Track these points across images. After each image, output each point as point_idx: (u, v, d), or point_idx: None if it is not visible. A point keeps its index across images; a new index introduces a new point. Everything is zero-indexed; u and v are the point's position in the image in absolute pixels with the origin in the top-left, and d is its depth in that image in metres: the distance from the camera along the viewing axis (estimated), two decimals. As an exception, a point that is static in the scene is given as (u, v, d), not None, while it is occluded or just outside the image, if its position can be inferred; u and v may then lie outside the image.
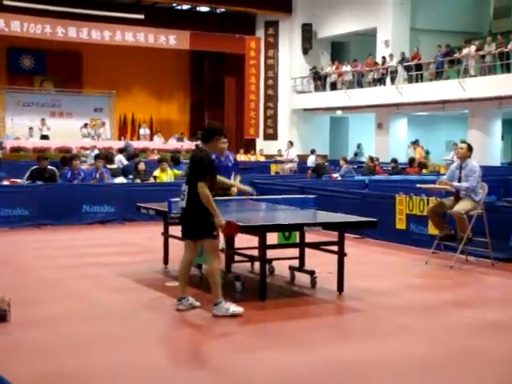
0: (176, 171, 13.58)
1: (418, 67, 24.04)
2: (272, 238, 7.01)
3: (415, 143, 22.96)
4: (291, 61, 29.94)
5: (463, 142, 9.33)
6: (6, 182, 12.64)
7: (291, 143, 24.13)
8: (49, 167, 12.71)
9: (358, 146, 26.62)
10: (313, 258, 7.56)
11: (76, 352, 4.99)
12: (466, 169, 8.54)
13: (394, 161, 18.41)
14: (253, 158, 25.78)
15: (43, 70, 30.22)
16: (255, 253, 7.38)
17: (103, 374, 4.59)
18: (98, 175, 12.88)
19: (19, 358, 4.85)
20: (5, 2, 25.11)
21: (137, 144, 27.19)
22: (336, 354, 5.08)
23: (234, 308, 5.94)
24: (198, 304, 6.17)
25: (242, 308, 5.97)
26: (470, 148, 8.73)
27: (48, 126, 27.10)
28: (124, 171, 15.65)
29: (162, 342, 5.39)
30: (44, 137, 26.79)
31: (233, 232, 6.10)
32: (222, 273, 7.13)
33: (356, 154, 27.75)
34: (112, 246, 9.98)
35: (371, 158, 18.66)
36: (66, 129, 28.14)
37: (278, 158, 24.64)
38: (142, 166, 14.25)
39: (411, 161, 18.42)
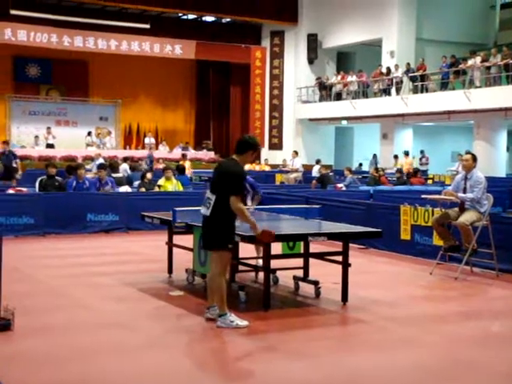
0: (179, 185, 13.58)
1: (424, 78, 24.06)
2: (276, 247, 7.00)
3: (407, 154, 22.92)
4: (296, 71, 30.02)
5: (468, 152, 9.31)
6: (11, 191, 12.67)
7: (296, 153, 24.16)
8: (56, 177, 12.84)
9: (374, 157, 26.60)
10: (317, 268, 7.54)
11: (80, 361, 4.98)
12: (472, 180, 8.53)
13: (400, 171, 18.39)
14: (258, 168, 25.77)
15: (49, 78, 30.36)
16: (259, 263, 7.39)
17: (107, 383, 4.58)
18: (101, 185, 12.89)
19: (23, 368, 4.84)
20: (12, 12, 25.26)
21: (141, 153, 27.24)
22: (340, 365, 5.06)
23: (238, 321, 5.92)
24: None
25: (246, 321, 5.95)
26: (474, 159, 8.70)
27: (53, 135, 27.19)
28: (129, 180, 15.66)
29: (167, 351, 5.38)
30: (49, 145, 26.87)
31: (269, 239, 6.06)
32: (225, 283, 7.13)
33: (361, 165, 27.72)
34: (116, 255, 9.99)
35: (376, 169, 18.65)
36: (72, 137, 28.26)
37: (283, 168, 24.64)
38: (149, 176, 14.27)
39: (415, 171, 18.41)
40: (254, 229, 5.91)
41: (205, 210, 5.98)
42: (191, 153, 28.60)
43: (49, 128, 27.68)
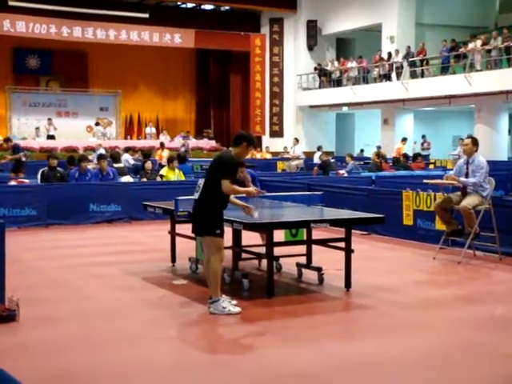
0: (181, 174, 13.56)
1: (424, 62, 23.98)
2: (279, 235, 7.01)
3: (403, 140, 22.81)
4: (296, 58, 29.93)
5: (468, 137, 9.28)
6: (13, 183, 12.69)
7: (297, 140, 24.12)
8: (57, 168, 12.88)
9: (378, 148, 26.58)
10: (320, 255, 7.56)
11: (86, 351, 5.01)
12: (474, 164, 8.51)
13: (404, 155, 18.37)
14: (259, 156, 25.75)
15: (49, 69, 30.30)
16: (262, 250, 7.40)
17: (114, 372, 4.60)
18: (103, 176, 12.89)
19: (29, 358, 4.87)
20: (10, 3, 25.18)
21: (143, 143, 27.23)
22: (344, 351, 5.08)
23: (231, 307, 5.94)
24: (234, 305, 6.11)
25: (239, 308, 5.97)
26: (475, 142, 8.68)
27: (55, 126, 27.16)
28: (137, 169, 15.60)
29: (172, 339, 5.40)
30: (50, 137, 26.85)
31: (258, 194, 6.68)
32: (228, 270, 7.15)
33: (362, 151, 27.67)
34: (119, 245, 10.01)
35: (377, 155, 18.62)
36: (72, 128, 28.24)
37: (285, 155, 24.63)
38: (149, 165, 14.28)
39: (415, 156, 18.38)
40: (249, 194, 6.36)
41: (195, 194, 6.14)
42: (192, 141, 28.56)
43: (50, 119, 27.65)
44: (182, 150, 24.00)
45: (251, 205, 6.31)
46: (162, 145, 23.15)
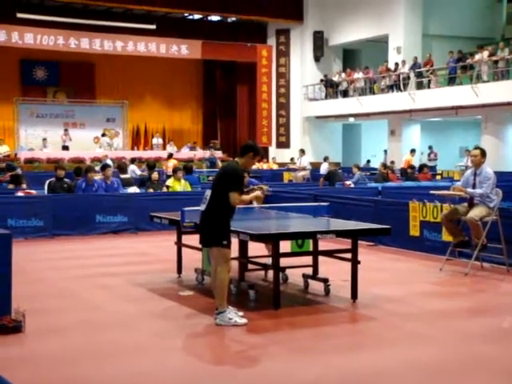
0: (188, 185, 13.58)
1: (431, 73, 23.98)
2: (285, 246, 7.00)
3: (412, 152, 22.76)
4: (303, 68, 29.99)
5: (476, 148, 9.24)
6: (20, 193, 12.73)
7: (303, 151, 24.13)
8: (64, 179, 12.94)
9: (385, 152, 26.66)
10: (326, 266, 7.54)
11: (92, 362, 5.00)
12: (481, 175, 8.49)
13: (411, 167, 18.35)
14: (265, 166, 25.77)
15: (56, 81, 30.46)
16: (268, 261, 7.38)
17: (119, 383, 4.59)
18: (107, 186, 12.91)
19: (35, 369, 4.86)
20: (18, 15, 25.37)
21: (149, 154, 27.29)
22: (350, 362, 5.06)
23: (237, 318, 5.93)
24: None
25: (245, 319, 5.96)
26: (483, 154, 8.65)
27: (70, 137, 27.19)
28: (143, 181, 15.61)
29: (178, 351, 5.39)
30: (65, 147, 26.90)
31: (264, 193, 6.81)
32: (235, 281, 7.14)
33: (369, 161, 27.68)
34: (125, 256, 10.01)
35: (384, 165, 18.61)
36: (79, 139, 28.32)
37: (291, 166, 24.63)
38: (155, 176, 14.29)
39: (422, 167, 18.35)
40: (256, 199, 6.48)
41: (202, 206, 6.14)
42: (199, 152, 28.60)
43: (66, 130, 27.79)
44: (207, 163, 25.83)
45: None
46: (170, 155, 23.18)
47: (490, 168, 8.64)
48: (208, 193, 6.14)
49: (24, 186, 14.33)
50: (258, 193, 6.61)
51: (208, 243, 6.10)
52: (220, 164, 22.20)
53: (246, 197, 6.22)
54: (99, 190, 12.71)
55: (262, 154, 7.05)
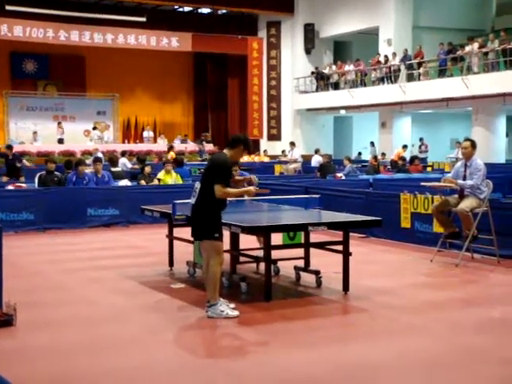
0: (179, 177, 13.56)
1: (421, 65, 24.02)
2: (277, 238, 7.00)
3: (404, 147, 22.82)
4: (294, 61, 29.96)
5: (466, 139, 9.27)
6: (10, 187, 12.67)
7: (293, 144, 24.13)
8: (55, 172, 12.90)
9: (372, 144, 26.74)
10: (318, 258, 7.55)
11: (83, 355, 4.99)
12: (471, 167, 8.51)
13: (402, 158, 18.39)
14: (257, 159, 25.78)
15: (46, 74, 30.31)
16: (260, 253, 7.39)
17: (112, 376, 4.59)
18: (98, 179, 12.88)
19: (26, 362, 4.85)
20: (7, 7, 25.18)
21: (140, 147, 27.23)
22: (342, 354, 5.08)
23: (228, 311, 5.93)
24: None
25: (237, 311, 5.96)
26: (473, 146, 8.68)
27: (63, 130, 27.10)
28: (134, 174, 15.56)
29: (171, 344, 5.39)
30: (60, 140, 26.81)
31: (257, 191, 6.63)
32: (226, 274, 7.14)
33: (360, 154, 27.73)
34: (117, 249, 10.00)
35: (375, 157, 18.65)
36: (70, 133, 28.20)
37: (282, 159, 24.64)
38: (148, 169, 14.26)
39: (413, 159, 18.38)
40: (247, 193, 6.42)
41: (192, 199, 6.11)
42: (190, 145, 28.57)
43: (60, 123, 27.71)
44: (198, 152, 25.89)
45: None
46: (170, 147, 23.28)
47: (480, 159, 8.67)
48: (198, 185, 6.11)
49: (22, 179, 14.20)
50: (250, 188, 6.55)
51: (199, 236, 6.08)
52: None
53: (232, 190, 6.10)
54: (90, 183, 12.67)
55: (251, 147, 6.97)
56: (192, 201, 6.12)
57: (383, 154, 23.32)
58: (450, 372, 4.68)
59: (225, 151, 6.16)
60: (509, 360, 4.93)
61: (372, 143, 27.00)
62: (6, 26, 25.76)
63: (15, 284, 6.82)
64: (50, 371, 4.69)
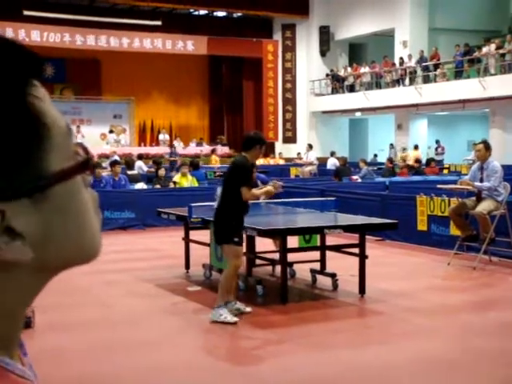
0: (195, 180, 13.60)
1: (437, 67, 23.93)
2: (293, 241, 7.00)
3: (416, 148, 22.71)
4: (309, 63, 29.94)
5: (480, 142, 9.19)
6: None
7: (310, 146, 24.11)
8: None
9: (391, 147, 26.59)
10: (334, 261, 7.54)
11: (100, 357, 5.02)
12: (488, 169, 8.46)
13: (418, 161, 18.33)
14: (272, 162, 25.76)
15: (63, 78, 30.50)
16: (276, 256, 7.39)
17: (128, 378, 4.61)
18: (115, 182, 12.95)
19: (44, 364, 4.88)
20: (25, 13, 25.41)
21: (156, 150, 27.34)
22: (359, 357, 5.06)
23: (228, 316, 5.84)
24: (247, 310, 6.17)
25: (236, 318, 5.87)
26: (487, 147, 8.62)
27: (82, 134, 27.27)
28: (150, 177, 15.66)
29: (187, 346, 5.40)
30: None
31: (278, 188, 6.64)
32: (242, 277, 7.15)
33: (376, 156, 27.63)
34: (133, 252, 10.03)
35: (390, 160, 18.59)
36: (86, 136, 28.36)
37: (298, 161, 24.61)
38: (162, 172, 14.31)
39: (429, 161, 18.31)
40: (268, 193, 6.38)
41: (215, 203, 6.13)
42: (206, 148, 28.65)
43: (78, 127, 27.88)
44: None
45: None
46: (213, 150, 24.06)
47: (497, 161, 8.62)
48: (219, 190, 6.11)
49: None
50: (269, 187, 6.52)
51: (219, 240, 6.04)
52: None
53: (256, 191, 6.19)
54: (107, 186, 12.75)
55: (267, 143, 6.89)
56: (215, 204, 6.12)
57: (404, 149, 23.22)
58: (466, 375, 4.65)
59: (243, 154, 6.06)
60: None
61: (391, 145, 26.84)
62: (23, 31, 25.98)
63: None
64: (68, 373, 4.72)
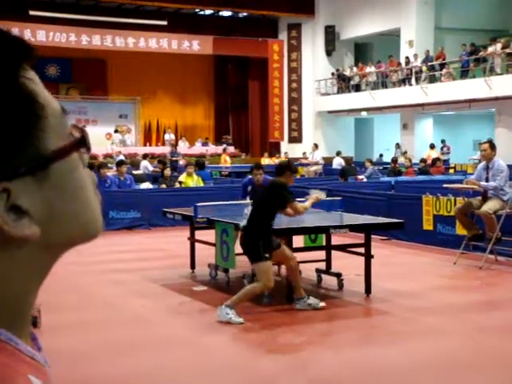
0: (200, 180, 13.60)
1: (443, 66, 23.89)
2: (298, 240, 7.00)
3: (432, 147, 22.62)
4: (315, 63, 29.92)
5: (485, 142, 9.16)
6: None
7: (316, 146, 24.11)
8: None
9: (397, 146, 26.41)
10: (339, 261, 7.53)
11: (107, 357, 5.03)
12: (493, 168, 8.44)
13: (424, 161, 18.30)
14: (278, 162, 25.75)
15: (69, 77, 30.57)
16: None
17: (137, 378, 4.61)
18: (121, 182, 12.97)
19: (52, 364, 4.89)
20: (31, 12, 25.48)
21: (162, 149, 27.37)
22: (365, 356, 5.06)
23: (233, 316, 5.84)
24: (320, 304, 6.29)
25: (242, 319, 5.85)
26: (492, 146, 8.61)
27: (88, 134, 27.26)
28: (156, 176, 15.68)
29: (193, 346, 5.41)
30: None
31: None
32: (248, 277, 7.15)
33: (381, 155, 27.58)
34: (139, 252, 10.05)
35: (394, 160, 18.58)
36: (92, 136, 27.77)
37: (304, 161, 24.60)
38: (167, 172, 14.32)
39: (435, 161, 18.26)
40: (313, 202, 6.40)
41: (243, 222, 6.22)
42: (211, 148, 28.66)
43: (84, 126, 27.80)
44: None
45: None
46: (224, 150, 24.54)
47: (502, 161, 8.60)
48: (248, 209, 6.25)
49: None
50: (315, 197, 6.55)
51: (251, 259, 6.09)
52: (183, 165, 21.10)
53: (306, 204, 6.32)
54: (112, 186, 12.76)
55: (297, 170, 7.15)
56: (243, 223, 6.18)
57: (405, 153, 23.13)
58: (473, 375, 4.64)
59: (276, 178, 6.35)
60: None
61: (397, 144, 26.62)
62: (29, 31, 26.02)
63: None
64: (74, 373, 4.73)
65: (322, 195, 6.66)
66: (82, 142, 0.68)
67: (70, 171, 0.64)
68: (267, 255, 5.97)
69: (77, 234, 0.66)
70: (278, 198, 6.05)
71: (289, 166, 6.37)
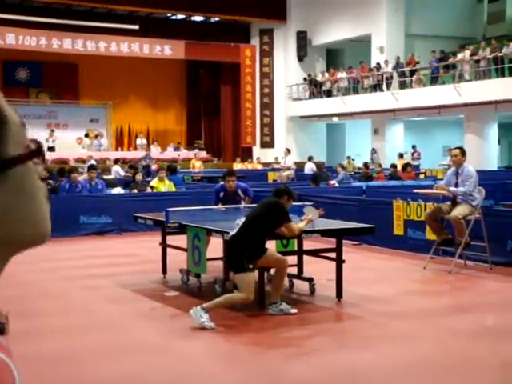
0: (172, 185, 13.55)
1: (414, 73, 24.16)
2: (270, 245, 7.00)
3: (401, 156, 22.88)
4: (286, 68, 30.04)
5: (456, 147, 9.29)
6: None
7: (288, 151, 24.18)
8: (48, 180, 12.87)
9: (373, 151, 26.53)
10: (311, 265, 7.56)
11: (76, 364, 4.98)
12: (463, 174, 8.55)
13: (394, 166, 18.45)
14: (250, 166, 25.79)
15: (39, 81, 30.28)
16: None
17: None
18: (92, 187, 12.87)
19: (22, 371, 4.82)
20: (0, 16, 25.17)
21: (134, 154, 27.22)
22: (335, 361, 5.08)
23: (206, 321, 5.79)
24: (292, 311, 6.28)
25: (213, 323, 5.81)
26: (463, 153, 8.72)
27: (54, 138, 27.00)
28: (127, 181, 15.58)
29: (165, 351, 5.38)
30: (50, 148, 26.73)
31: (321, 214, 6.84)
32: (220, 281, 7.14)
33: (353, 160, 27.71)
34: (110, 257, 9.97)
35: (366, 165, 18.71)
36: (63, 140, 28.17)
37: (276, 166, 24.66)
38: (139, 177, 14.25)
39: (405, 166, 18.42)
40: (308, 223, 6.47)
41: (233, 231, 6.17)
42: (183, 153, 28.58)
43: (52, 131, 27.65)
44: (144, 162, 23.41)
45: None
46: (196, 155, 24.94)
47: (471, 166, 8.71)
48: (240, 220, 6.24)
49: None
50: (310, 216, 6.60)
51: (236, 270, 6.07)
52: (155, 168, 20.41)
53: (302, 224, 6.39)
54: (83, 190, 12.65)
55: (296, 198, 7.18)
56: (233, 232, 6.15)
57: (379, 166, 23.32)
58: (445, 379, 4.69)
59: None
60: (499, 367, 4.94)
61: (373, 149, 26.60)
62: (-2, 34, 25.75)
63: (8, 293, 6.79)
64: (38, 380, 4.67)
65: (315, 215, 6.68)
66: (38, 153, 0.76)
67: (27, 176, 0.72)
68: (251, 266, 5.98)
69: (29, 233, 0.74)
70: (276, 217, 6.12)
71: (288, 192, 6.42)
